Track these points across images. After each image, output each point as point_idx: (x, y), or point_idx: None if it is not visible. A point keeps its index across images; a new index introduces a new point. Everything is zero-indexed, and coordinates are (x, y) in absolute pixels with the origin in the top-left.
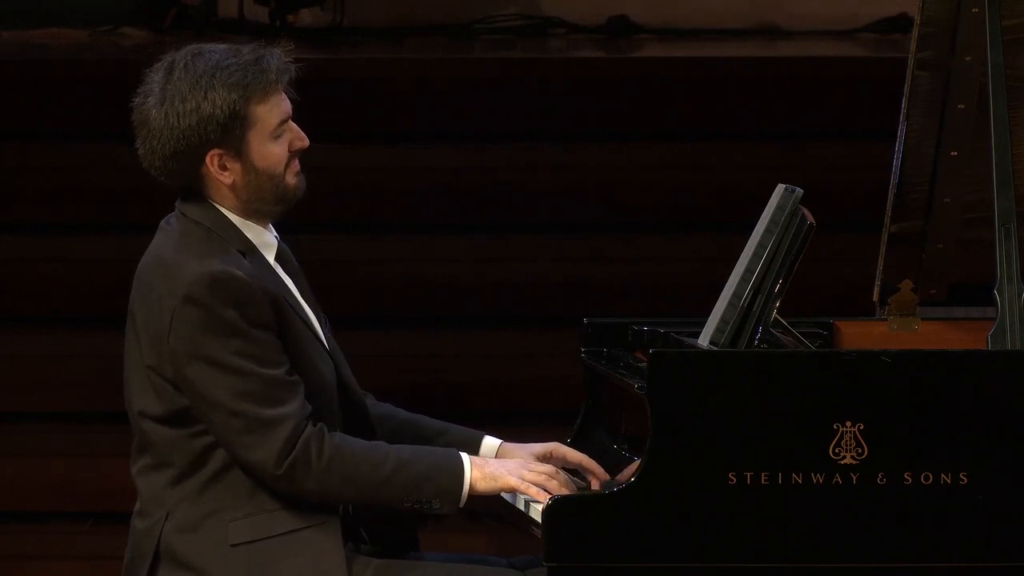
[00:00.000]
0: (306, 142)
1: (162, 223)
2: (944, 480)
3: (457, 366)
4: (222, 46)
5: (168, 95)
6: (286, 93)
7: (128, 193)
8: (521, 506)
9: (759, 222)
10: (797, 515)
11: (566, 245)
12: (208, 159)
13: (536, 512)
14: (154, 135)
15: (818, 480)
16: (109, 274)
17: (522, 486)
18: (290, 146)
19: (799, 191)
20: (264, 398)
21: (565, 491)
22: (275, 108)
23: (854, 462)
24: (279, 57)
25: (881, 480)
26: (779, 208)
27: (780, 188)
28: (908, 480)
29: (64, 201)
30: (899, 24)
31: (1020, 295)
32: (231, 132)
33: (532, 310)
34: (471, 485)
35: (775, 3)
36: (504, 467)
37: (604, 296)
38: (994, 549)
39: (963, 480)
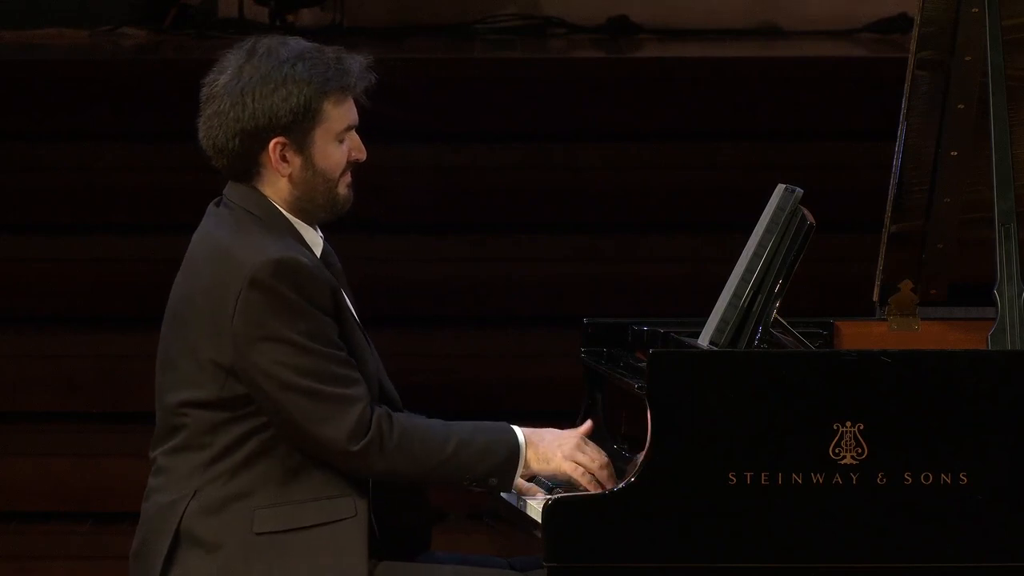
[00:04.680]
0: (364, 154)
1: (209, 208)
2: (944, 480)
3: (457, 366)
4: (304, 41)
5: (246, 73)
6: (358, 101)
7: (127, 193)
8: (521, 506)
9: (759, 222)
10: (797, 515)
11: (566, 245)
12: (271, 146)
13: (535, 512)
14: (223, 112)
15: (818, 480)
16: (109, 274)
17: (576, 473)
18: (349, 155)
19: (799, 191)
20: (333, 378)
21: (611, 485)
22: (347, 112)
23: (854, 462)
24: (360, 63)
25: (881, 480)
26: (779, 208)
27: (780, 188)
28: (908, 480)
29: (64, 201)
30: (899, 24)
31: (1020, 295)
32: (300, 123)
33: (532, 310)
34: (526, 464)
35: (775, 3)
36: (559, 447)
37: (604, 296)
38: (994, 549)
39: (963, 480)
